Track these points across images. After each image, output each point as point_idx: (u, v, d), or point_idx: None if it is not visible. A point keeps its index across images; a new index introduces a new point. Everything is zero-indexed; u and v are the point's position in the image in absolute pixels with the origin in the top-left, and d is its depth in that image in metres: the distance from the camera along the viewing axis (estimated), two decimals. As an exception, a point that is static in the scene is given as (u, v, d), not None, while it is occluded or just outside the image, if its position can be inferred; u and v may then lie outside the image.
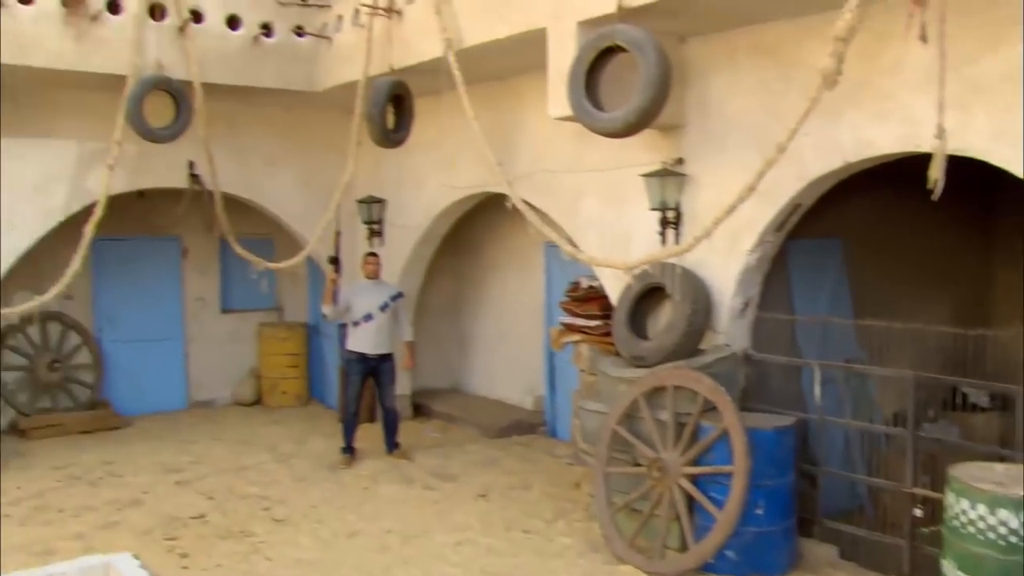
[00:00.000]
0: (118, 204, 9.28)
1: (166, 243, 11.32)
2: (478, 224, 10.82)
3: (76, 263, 8.24)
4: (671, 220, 6.73)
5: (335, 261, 8.93)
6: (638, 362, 6.56)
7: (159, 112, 8.55)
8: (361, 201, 10.15)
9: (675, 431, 6.04)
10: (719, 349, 6.44)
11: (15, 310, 8.38)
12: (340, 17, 8.91)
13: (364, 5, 8.00)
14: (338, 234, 8.99)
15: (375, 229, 10.26)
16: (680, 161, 6.73)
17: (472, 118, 7.11)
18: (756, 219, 6.21)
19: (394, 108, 8.01)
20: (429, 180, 9.59)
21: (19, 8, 7.88)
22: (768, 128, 6.01)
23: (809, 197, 6.25)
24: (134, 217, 10.40)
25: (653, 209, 6.72)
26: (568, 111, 6.08)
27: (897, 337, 6.16)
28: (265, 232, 11.35)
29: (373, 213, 10.17)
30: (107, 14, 8.24)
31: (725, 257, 6.46)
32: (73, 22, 8.04)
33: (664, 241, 6.75)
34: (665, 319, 6.59)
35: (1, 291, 8.93)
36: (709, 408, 5.90)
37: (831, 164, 5.84)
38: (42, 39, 7.97)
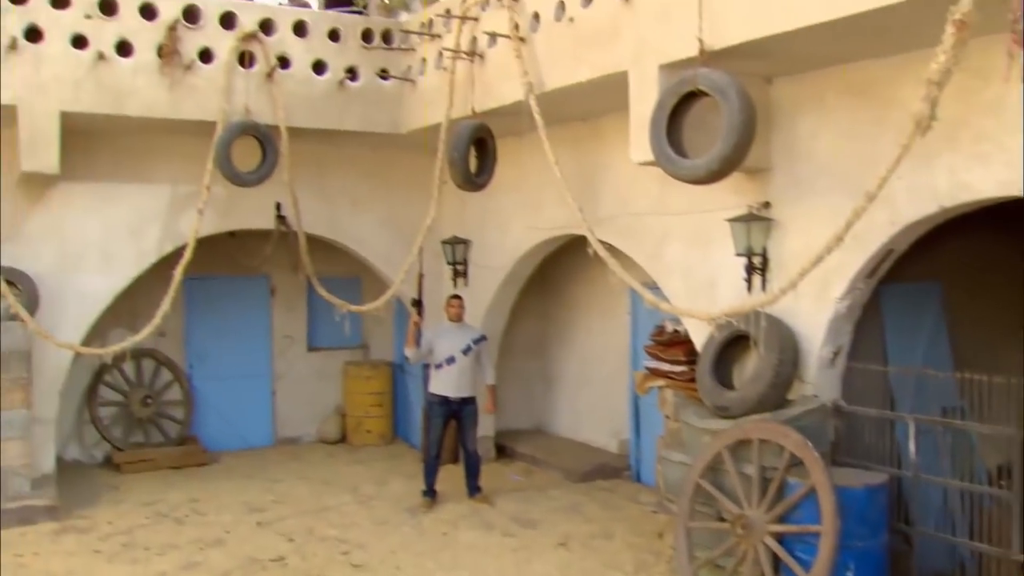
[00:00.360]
0: (210, 244, 9.63)
1: (255, 282, 11.55)
2: (564, 264, 10.75)
3: (166, 304, 8.47)
4: (757, 266, 6.54)
5: (418, 304, 8.96)
6: (723, 413, 6.37)
7: (247, 156, 8.77)
8: (445, 242, 10.19)
9: (760, 486, 5.82)
10: (807, 400, 6.21)
11: (110, 350, 8.61)
12: (424, 60, 9.01)
13: (447, 49, 8.06)
14: (421, 276, 9.01)
15: (459, 270, 10.27)
16: (767, 205, 6.55)
17: (553, 163, 7.06)
18: (846, 265, 5.98)
19: (476, 151, 8.02)
20: (513, 221, 9.57)
21: (118, 60, 8.20)
22: (858, 172, 5.80)
23: (903, 242, 6.00)
24: (225, 256, 10.64)
25: (739, 255, 6.55)
26: (650, 157, 5.98)
27: (1000, 389, 5.84)
28: (352, 272, 11.52)
29: (457, 254, 10.20)
30: (199, 63, 8.50)
31: (813, 304, 6.23)
32: (167, 72, 8.32)
33: (750, 287, 6.56)
34: (751, 369, 6.39)
35: (98, 329, 9.26)
36: (796, 463, 5.68)
37: (926, 209, 5.59)
38: (138, 89, 8.28)
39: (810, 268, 5.04)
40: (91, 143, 8.92)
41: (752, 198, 6.62)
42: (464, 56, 7.93)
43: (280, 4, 10.90)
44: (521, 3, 7.42)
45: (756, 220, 6.49)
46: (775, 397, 6.15)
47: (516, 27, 7.36)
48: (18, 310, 7.98)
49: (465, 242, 10.21)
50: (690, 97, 5.66)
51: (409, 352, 8.86)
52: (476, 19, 7.97)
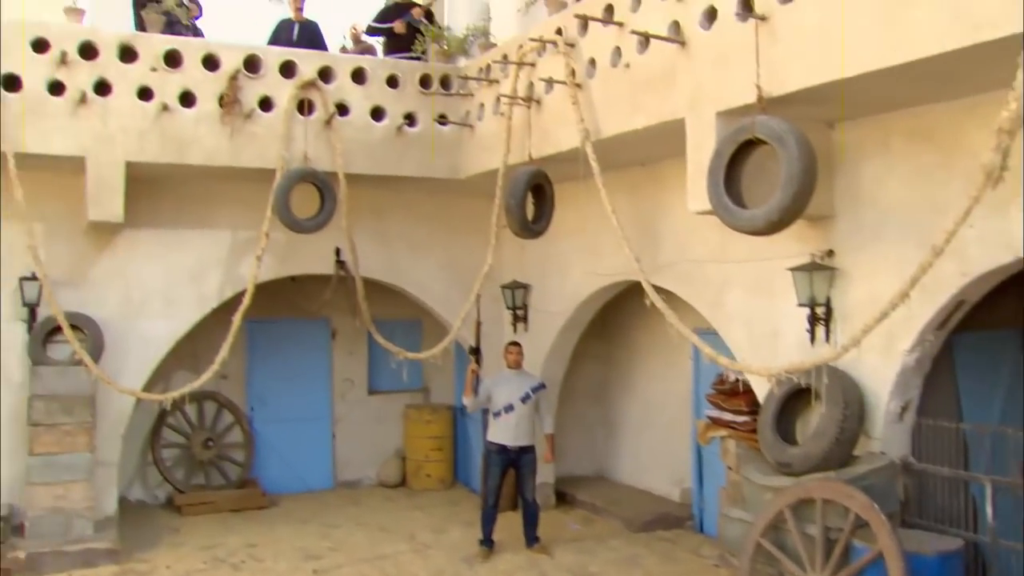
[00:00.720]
0: (271, 288, 9.76)
1: (316, 325, 11.63)
2: (625, 307, 10.60)
3: (225, 350, 8.57)
4: (820, 316, 6.34)
5: (476, 351, 8.90)
6: (785, 469, 6.15)
7: (306, 202, 8.85)
8: (505, 287, 10.17)
9: (824, 549, 5.58)
10: (874, 458, 5.96)
11: (168, 396, 8.72)
12: (482, 105, 9.02)
13: (504, 95, 8.05)
14: (478, 324, 8.96)
15: (519, 315, 10.23)
16: (830, 254, 6.35)
17: (610, 212, 6.97)
18: (914, 317, 5.74)
19: (534, 197, 7.97)
20: (573, 266, 9.48)
21: (181, 110, 8.38)
22: (926, 219, 5.60)
23: (975, 293, 5.76)
24: (287, 300, 10.78)
25: (801, 305, 6.36)
26: (708, 206, 5.84)
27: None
28: (413, 314, 11.53)
29: (517, 299, 10.17)
30: (259, 111, 8.63)
31: (880, 357, 6.00)
32: (228, 120, 8.46)
33: (813, 339, 6.36)
34: (814, 423, 6.16)
35: (162, 371, 9.38)
36: (862, 525, 5.43)
37: (1000, 259, 5.35)
38: (200, 138, 8.43)
39: (873, 325, 4.86)
40: (155, 190, 9.10)
41: (815, 246, 6.43)
42: (521, 102, 7.91)
43: (345, 51, 11.10)
44: (577, 49, 7.38)
45: (819, 269, 6.30)
46: (840, 454, 5.92)
47: (572, 73, 7.32)
48: (82, 356, 8.13)
49: (525, 287, 10.17)
50: (749, 145, 5.53)
51: (467, 400, 8.79)
52: (533, 65, 7.95)
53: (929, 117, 5.72)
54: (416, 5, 10.36)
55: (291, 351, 11.56)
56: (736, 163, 5.64)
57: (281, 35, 10.11)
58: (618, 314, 10.76)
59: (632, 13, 6.72)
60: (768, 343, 6.91)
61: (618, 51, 6.93)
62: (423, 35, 9.58)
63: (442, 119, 9.34)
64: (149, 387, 9.51)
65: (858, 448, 6.08)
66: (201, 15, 10.26)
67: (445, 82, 9.41)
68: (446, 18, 10.09)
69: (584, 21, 7.17)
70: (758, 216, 5.33)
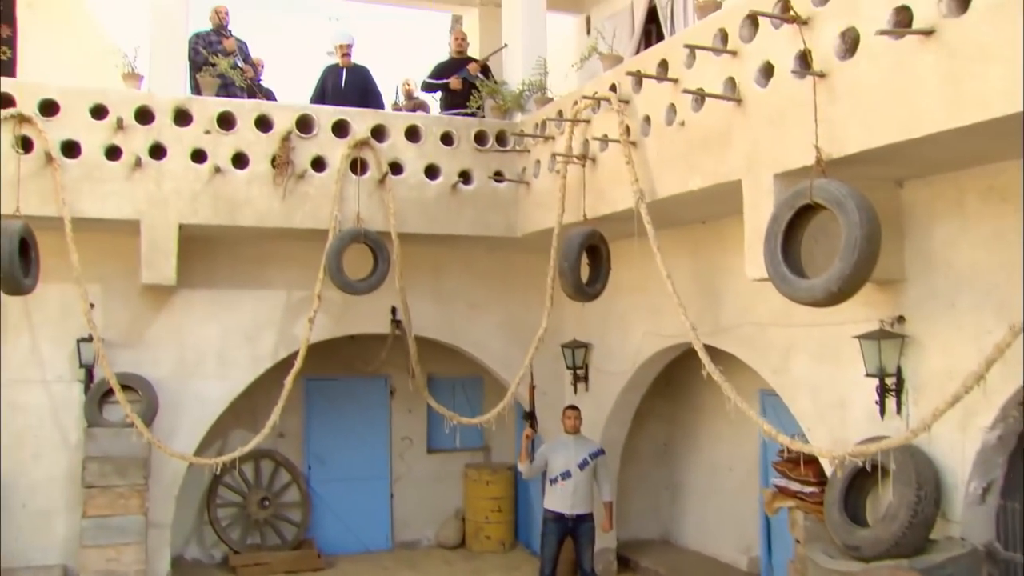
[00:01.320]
0: (329, 345, 9.71)
1: (375, 383, 11.53)
2: (690, 365, 10.10)
3: (275, 415, 8.50)
4: (891, 388, 5.95)
5: (530, 416, 8.67)
6: (853, 553, 5.74)
7: (360, 262, 8.76)
8: (565, 346, 9.94)
9: (898, 646, 5.16)
10: (953, 544, 5.51)
11: (219, 460, 8.65)
12: (538, 162, 8.85)
13: (557, 154, 7.88)
14: (533, 388, 8.73)
15: (579, 374, 9.98)
16: (900, 320, 5.98)
17: (665, 277, 6.69)
18: (995, 392, 5.30)
19: (589, 258, 7.74)
20: (634, 326, 9.20)
21: (233, 172, 8.40)
22: (1005, 285, 5.21)
23: (1063, 366, 5.32)
24: (344, 358, 10.70)
25: (870, 375, 5.98)
26: (765, 273, 5.54)
27: None
28: (474, 371, 11.35)
29: (577, 358, 9.92)
30: (311, 171, 8.62)
31: (957, 433, 5.57)
32: (280, 181, 8.45)
33: (883, 411, 5.97)
34: (885, 504, 5.75)
35: (219, 429, 9.35)
36: (940, 621, 5.01)
37: (1090, 329, 4.93)
38: (252, 199, 8.44)
39: (945, 409, 4.51)
40: (210, 250, 9.15)
41: (884, 311, 6.07)
42: (575, 161, 7.72)
43: (397, 106, 11.09)
44: (632, 106, 7.18)
45: (888, 337, 5.92)
46: (914, 539, 5.50)
47: (627, 131, 7.11)
48: (134, 419, 8.12)
49: (585, 346, 9.92)
50: (808, 209, 5.23)
51: (522, 467, 8.55)
52: (587, 122, 7.77)
53: (1007, 175, 5.34)
54: (472, 60, 10.28)
55: (349, 409, 11.46)
56: (795, 227, 5.34)
57: (328, 82, 10.14)
58: (683, 371, 10.40)
59: (687, 69, 6.50)
60: (835, 413, 6.54)
61: (673, 108, 6.70)
62: (479, 90, 9.47)
63: (498, 176, 9.21)
64: (205, 445, 9.52)
65: (935, 532, 5.63)
66: (261, 75, 10.34)
67: (501, 138, 9.29)
68: (503, 72, 9.97)
69: (639, 78, 6.96)
70: (817, 287, 5.02)
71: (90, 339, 8.46)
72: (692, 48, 6.30)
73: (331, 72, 10.27)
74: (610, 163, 7.48)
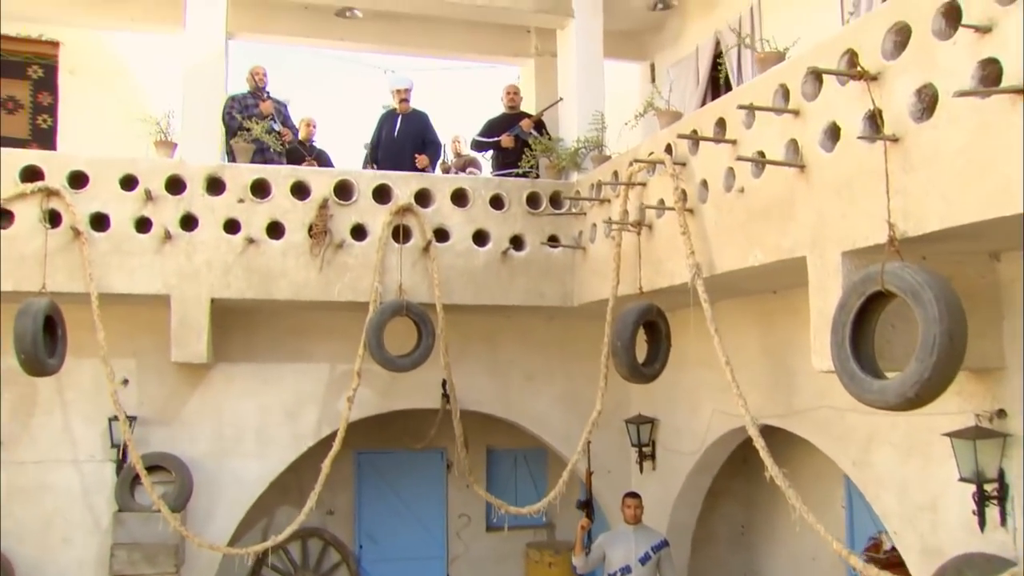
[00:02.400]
0: (381, 416, 9.33)
1: (430, 456, 11.09)
2: (768, 440, 9.51)
3: (312, 500, 8.12)
4: (991, 495, 5.21)
5: (586, 505, 8.06)
6: None
7: (405, 335, 8.37)
8: (630, 421, 9.35)
9: None
10: None
11: (253, 549, 8.27)
12: (594, 225, 8.34)
13: (609, 221, 7.36)
14: (589, 474, 8.15)
15: (645, 452, 9.36)
16: (1000, 414, 5.25)
17: (724, 362, 6.10)
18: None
19: (647, 335, 7.16)
20: (703, 402, 8.56)
21: (268, 243, 8.12)
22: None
23: None
24: (397, 430, 10.29)
25: (964, 479, 5.25)
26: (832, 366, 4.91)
27: None
28: (537, 442, 10.75)
29: (643, 435, 9.31)
30: (350, 240, 8.29)
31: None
32: (318, 251, 8.13)
33: (983, 523, 5.22)
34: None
35: (265, 505, 9.02)
36: None
37: None
38: (288, 271, 8.15)
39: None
40: (249, 322, 8.90)
41: (980, 404, 5.34)
42: (630, 228, 7.18)
43: (447, 165, 10.74)
44: (689, 168, 6.63)
45: (986, 436, 5.19)
46: None
47: (683, 196, 6.55)
48: (160, 506, 7.80)
49: (651, 421, 9.31)
50: (881, 295, 4.59)
51: (577, 561, 7.94)
52: (643, 184, 7.24)
53: (1123, 249, 4.63)
54: (525, 116, 9.86)
55: (403, 484, 11.05)
56: (867, 315, 4.69)
57: (383, 131, 9.86)
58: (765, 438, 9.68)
59: (745, 129, 5.92)
60: (926, 517, 5.79)
61: (731, 173, 6.12)
62: (532, 149, 9.02)
63: (552, 241, 8.73)
64: (249, 524, 9.24)
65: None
66: (314, 136, 10.12)
67: (555, 200, 8.83)
68: (559, 128, 9.54)
69: (695, 140, 6.41)
70: (889, 390, 4.35)
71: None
72: (750, 108, 5.73)
73: (387, 119, 9.99)
74: (667, 231, 6.91)
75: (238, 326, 8.82)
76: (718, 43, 9.55)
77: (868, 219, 4.79)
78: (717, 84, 9.77)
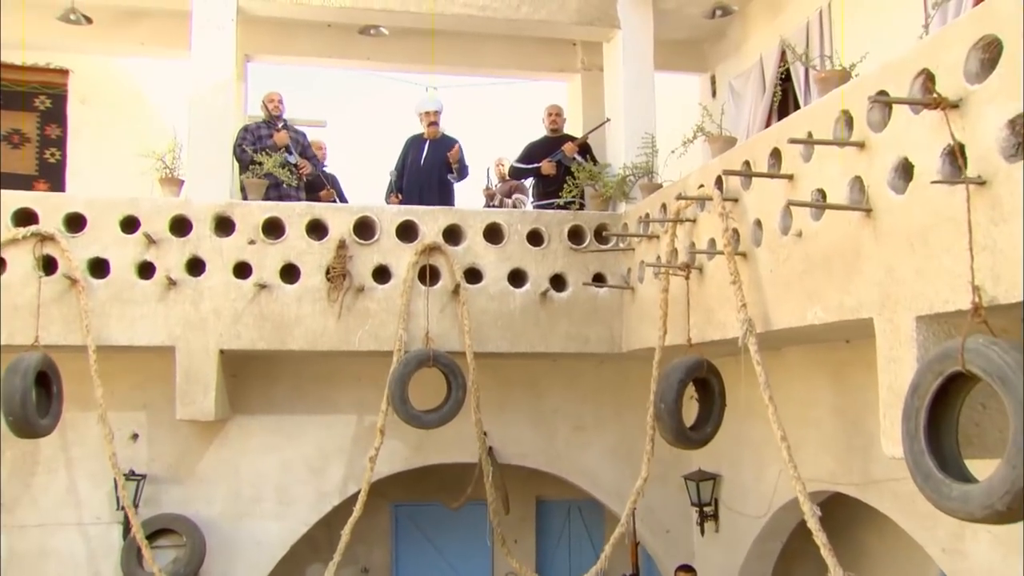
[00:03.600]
0: (418, 470, 8.91)
1: (473, 509, 10.42)
2: (847, 501, 8.73)
3: (331, 569, 7.60)
4: (1108, 608, 4.43)
5: (633, 580, 7.42)
6: None
7: (433, 386, 7.84)
8: (689, 477, 8.64)
9: None
10: None
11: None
12: (642, 263, 7.67)
13: (653, 264, 6.72)
14: (636, 545, 7.49)
15: (707, 512, 8.64)
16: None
17: (780, 438, 5.39)
18: None
19: (698, 393, 6.48)
20: (770, 461, 7.79)
21: (282, 288, 7.68)
22: None
23: None
24: (436, 481, 9.77)
25: (1074, 589, 4.48)
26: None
27: None
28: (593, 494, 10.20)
29: (704, 493, 8.60)
30: (372, 282, 7.80)
31: None
32: (336, 296, 7.66)
33: (1098, 644, 4.44)
34: None
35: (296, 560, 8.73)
36: None
37: None
38: (304, 318, 7.72)
39: None
40: (268, 370, 8.50)
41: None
42: (678, 272, 6.51)
43: (490, 191, 10.18)
44: (741, 205, 5.94)
45: (1101, 536, 4.41)
46: None
47: (735, 236, 5.88)
48: (160, 577, 7.40)
49: (713, 478, 8.60)
50: (963, 376, 3.85)
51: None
52: (692, 221, 6.56)
53: None
54: (569, 139, 9.24)
55: (444, 539, 10.51)
56: (947, 397, 3.95)
57: (408, 157, 9.37)
58: (840, 508, 8.87)
59: (804, 163, 5.22)
60: (1030, 625, 5.01)
61: (788, 212, 5.42)
62: (575, 176, 8.39)
63: (598, 281, 8.09)
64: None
65: None
66: (324, 163, 9.70)
67: (601, 234, 8.19)
68: (606, 152, 8.90)
69: (748, 176, 5.73)
70: (973, 498, 3.60)
71: (130, 476, 7.94)
72: (805, 142, 5.04)
73: (413, 145, 9.50)
74: (719, 275, 6.21)
75: (256, 374, 8.43)
76: (784, 52, 8.81)
77: (948, 278, 4.05)
78: (786, 98, 9.04)
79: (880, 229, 4.54)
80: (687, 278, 6.50)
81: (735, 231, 5.96)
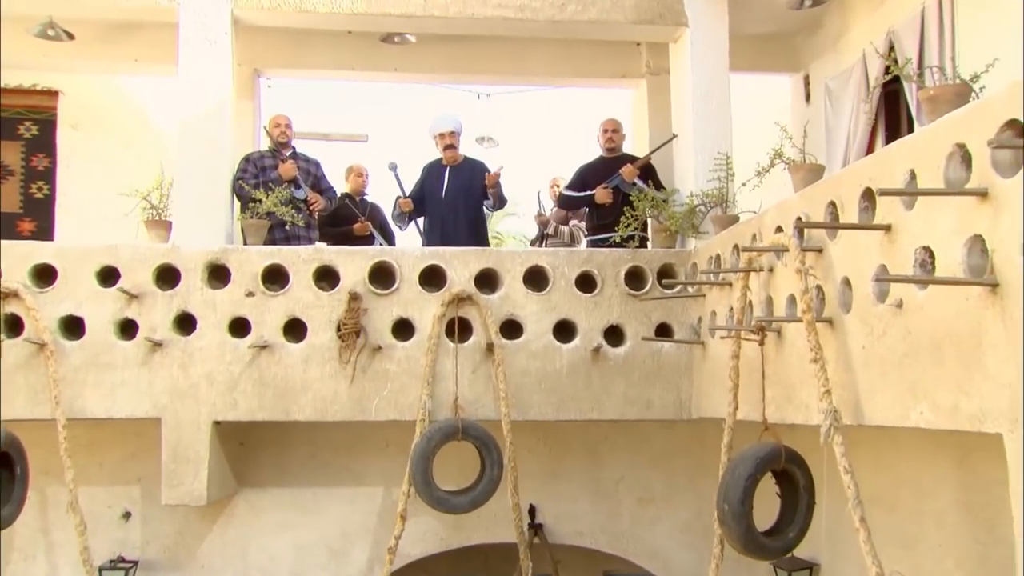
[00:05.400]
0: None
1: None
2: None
3: None
4: None
5: None
6: None
7: (463, 460, 7.05)
8: (779, 566, 7.64)
9: None
10: None
11: None
12: (714, 313, 6.71)
13: (720, 328, 5.78)
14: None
15: (801, 606, 7.66)
16: None
17: (871, 563, 4.41)
18: None
19: (779, 486, 5.49)
20: (880, 554, 6.78)
21: (285, 347, 6.96)
22: None
23: None
24: (478, 564, 9.04)
25: None
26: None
27: None
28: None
29: (796, 583, 7.62)
30: (391, 339, 7.02)
31: None
32: (348, 356, 6.90)
33: None
34: None
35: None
36: None
37: None
38: (311, 383, 6.98)
39: None
40: (279, 436, 7.79)
41: None
42: (751, 336, 5.54)
43: (543, 217, 9.34)
44: (826, 257, 4.94)
45: None
46: None
47: (818, 295, 4.91)
48: None
49: (809, 567, 7.58)
50: None
51: None
52: (769, 270, 5.59)
53: None
54: (629, 159, 8.28)
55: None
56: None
57: (425, 187, 8.57)
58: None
59: (905, 210, 4.22)
60: None
61: (884, 270, 4.42)
62: (634, 207, 7.45)
63: (662, 333, 7.16)
64: None
65: None
66: (366, 191, 9.02)
67: (667, 276, 7.26)
68: (673, 175, 7.95)
69: (831, 227, 4.75)
70: None
71: (116, 564, 7.35)
72: (903, 193, 4.05)
73: (430, 173, 8.69)
74: (800, 342, 5.21)
75: (266, 441, 7.75)
76: (892, 47, 7.73)
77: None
78: (897, 101, 7.95)
79: (1009, 311, 3.52)
80: (761, 344, 5.52)
81: (818, 289, 4.98)
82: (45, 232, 8.37)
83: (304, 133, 11.44)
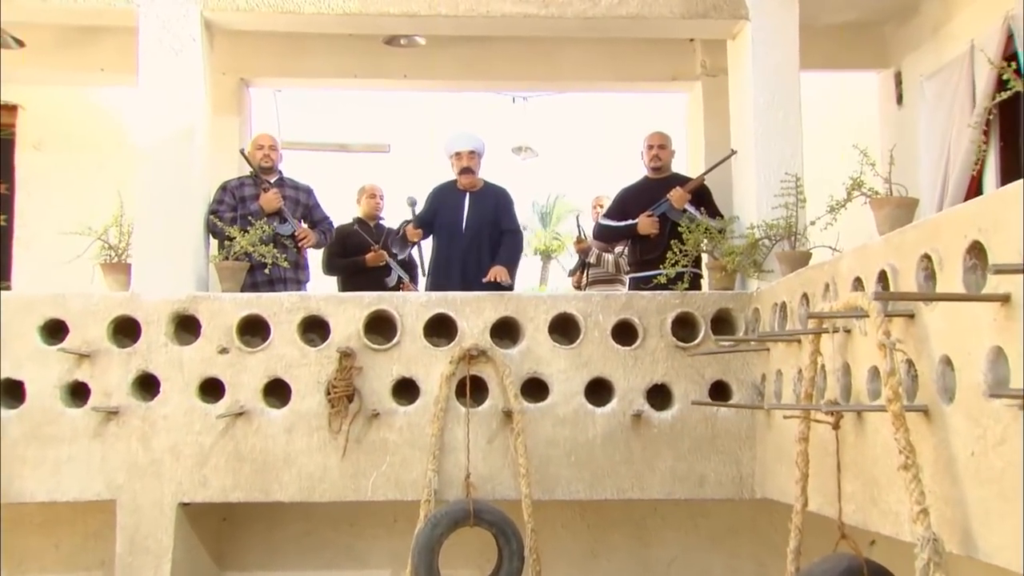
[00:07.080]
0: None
1: None
2: None
3: None
4: None
5: None
6: None
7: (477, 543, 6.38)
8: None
9: None
10: None
11: None
12: (779, 372, 5.92)
13: (790, 414, 5.00)
14: None
15: None
16: None
17: None
18: None
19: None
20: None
21: (265, 414, 6.34)
22: None
23: None
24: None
25: None
26: None
27: None
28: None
29: None
30: (391, 403, 6.36)
31: None
32: (339, 424, 6.28)
33: None
34: None
35: None
36: None
37: None
38: (295, 456, 6.37)
39: None
40: (268, 512, 7.15)
41: None
42: (824, 418, 4.76)
43: (583, 243, 8.61)
44: (920, 326, 4.13)
45: None
46: None
47: (909, 373, 4.12)
48: None
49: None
50: None
51: None
52: (847, 331, 4.79)
53: None
54: (679, 180, 7.52)
55: None
56: None
57: (443, 212, 7.85)
58: None
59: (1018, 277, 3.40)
60: None
61: (999, 353, 3.60)
62: (684, 238, 6.68)
63: (718, 394, 6.41)
64: None
65: None
66: (381, 214, 8.42)
67: (722, 324, 6.50)
68: (732, 200, 7.18)
69: (924, 300, 3.96)
70: None
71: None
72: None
73: (446, 200, 7.96)
74: (886, 430, 4.42)
75: (252, 517, 7.14)
76: (1010, 37, 6.84)
77: None
78: (1015, 109, 7.00)
79: None
80: (836, 427, 4.73)
81: (909, 364, 4.17)
82: (-1, 272, 7.93)
83: (319, 144, 10.98)
